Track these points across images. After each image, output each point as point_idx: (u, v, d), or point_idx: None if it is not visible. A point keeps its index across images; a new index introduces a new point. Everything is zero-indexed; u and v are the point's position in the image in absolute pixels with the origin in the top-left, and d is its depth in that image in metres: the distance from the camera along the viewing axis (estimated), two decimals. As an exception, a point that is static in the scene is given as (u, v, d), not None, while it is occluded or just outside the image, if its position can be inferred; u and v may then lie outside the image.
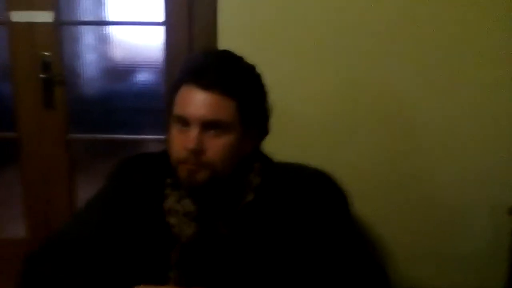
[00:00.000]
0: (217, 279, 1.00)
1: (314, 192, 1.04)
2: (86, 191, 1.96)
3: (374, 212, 1.81)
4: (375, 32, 1.69)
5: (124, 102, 2.00)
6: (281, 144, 1.13)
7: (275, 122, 1.70)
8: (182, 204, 1.02)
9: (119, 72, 2.00)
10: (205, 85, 0.94)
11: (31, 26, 1.83)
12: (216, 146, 0.95)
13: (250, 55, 1.71)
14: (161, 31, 1.86)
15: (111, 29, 1.96)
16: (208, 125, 0.94)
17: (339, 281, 0.97)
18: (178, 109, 0.97)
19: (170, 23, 1.83)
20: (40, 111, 1.89)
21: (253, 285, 0.99)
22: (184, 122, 0.95)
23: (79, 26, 1.95)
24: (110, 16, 1.95)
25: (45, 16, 1.82)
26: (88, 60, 1.98)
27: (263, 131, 1.05)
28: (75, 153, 1.97)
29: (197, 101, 0.94)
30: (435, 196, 1.80)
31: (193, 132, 0.93)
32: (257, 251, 1.00)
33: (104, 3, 1.93)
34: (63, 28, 1.89)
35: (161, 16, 1.85)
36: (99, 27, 1.97)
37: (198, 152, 0.93)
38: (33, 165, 1.95)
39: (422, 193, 1.81)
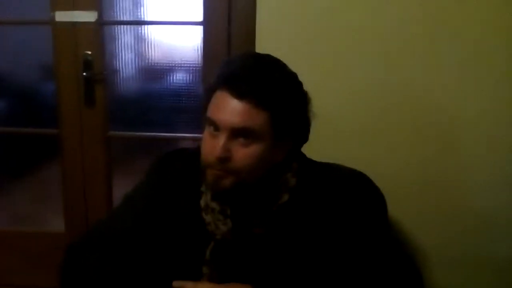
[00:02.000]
0: (249, 277, 1.00)
1: (351, 193, 1.02)
2: (123, 188, 2.01)
3: (403, 215, 1.78)
4: (408, 32, 1.67)
5: (161, 101, 2.02)
6: (311, 144, 1.11)
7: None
8: (217, 202, 1.03)
9: (157, 71, 2.02)
10: (238, 93, 0.92)
11: (74, 25, 1.88)
12: (243, 154, 0.94)
13: (287, 55, 1.72)
14: (198, 31, 1.88)
15: (149, 29, 1.99)
16: (237, 133, 0.93)
17: (373, 282, 0.97)
18: (210, 112, 0.97)
19: (208, 23, 1.84)
20: (81, 108, 1.94)
21: (285, 284, 0.99)
22: (215, 126, 0.95)
23: (118, 26, 1.99)
24: (148, 16, 1.98)
25: (88, 16, 1.87)
26: (127, 60, 2.02)
27: (301, 139, 1.04)
28: (114, 150, 2.01)
29: (228, 108, 0.93)
30: (466, 199, 1.76)
31: (221, 139, 0.93)
32: (290, 251, 1.00)
33: (143, 3, 1.96)
34: (104, 28, 1.93)
35: (199, 16, 1.87)
36: (138, 27, 2.00)
37: (224, 159, 0.93)
38: (73, 161, 2.00)
39: (453, 196, 1.77)
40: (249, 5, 1.72)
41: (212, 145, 0.95)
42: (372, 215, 1.04)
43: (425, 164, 1.76)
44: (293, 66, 1.72)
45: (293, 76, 1.01)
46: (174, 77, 2.01)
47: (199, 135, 1.82)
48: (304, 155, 1.10)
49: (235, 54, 1.01)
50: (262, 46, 1.73)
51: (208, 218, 1.03)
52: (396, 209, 1.72)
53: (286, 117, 0.96)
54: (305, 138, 1.05)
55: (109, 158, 2.00)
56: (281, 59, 1.82)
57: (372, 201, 1.05)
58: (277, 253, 1.00)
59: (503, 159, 1.72)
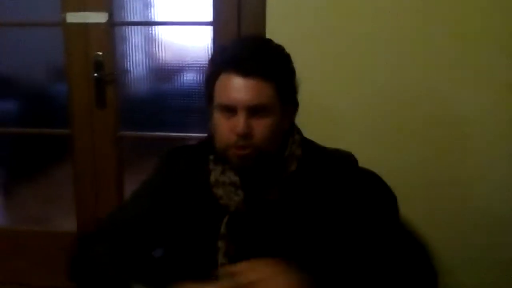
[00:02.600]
0: (265, 247, 1.02)
1: (352, 165, 1.12)
2: (134, 187, 2.02)
3: (410, 215, 1.77)
4: (417, 33, 1.67)
5: (172, 101, 2.04)
6: (324, 142, 1.14)
7: (319, 120, 1.72)
8: (228, 175, 1.06)
9: (168, 71, 2.04)
10: (246, 72, 0.97)
11: (85, 26, 1.90)
12: (262, 128, 0.99)
13: (297, 55, 1.72)
14: (208, 31, 1.89)
15: (159, 30, 2.00)
16: (254, 109, 0.98)
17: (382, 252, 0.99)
18: (222, 98, 1.00)
19: (218, 23, 1.85)
20: (92, 108, 1.95)
21: (301, 250, 1.01)
22: (230, 109, 0.99)
23: (128, 27, 2.00)
24: (158, 16, 1.99)
25: (99, 17, 1.88)
26: (138, 60, 2.03)
27: (296, 105, 1.10)
28: (124, 150, 2.03)
29: (241, 88, 0.98)
30: (479, 199, 1.76)
31: (241, 117, 0.97)
32: (304, 217, 1.03)
33: (153, 4, 1.97)
34: (115, 29, 1.94)
35: (209, 16, 1.87)
36: (148, 28, 2.01)
37: (247, 135, 0.97)
38: (85, 161, 2.02)
39: (466, 196, 1.76)
40: (259, 5, 1.73)
41: (230, 126, 0.99)
42: (380, 198, 1.12)
43: (432, 163, 1.75)
44: (302, 65, 1.71)
45: (283, 48, 1.08)
46: (185, 77, 2.02)
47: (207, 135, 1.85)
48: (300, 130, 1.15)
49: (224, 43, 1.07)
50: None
51: (219, 191, 1.05)
52: (403, 209, 1.72)
53: (287, 85, 1.04)
54: (298, 103, 1.11)
55: (120, 158, 2.01)
56: (293, 59, 1.82)
57: (379, 187, 1.16)
58: (290, 219, 1.03)
59: (510, 157, 1.71)
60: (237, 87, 0.98)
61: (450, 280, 1.79)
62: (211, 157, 1.09)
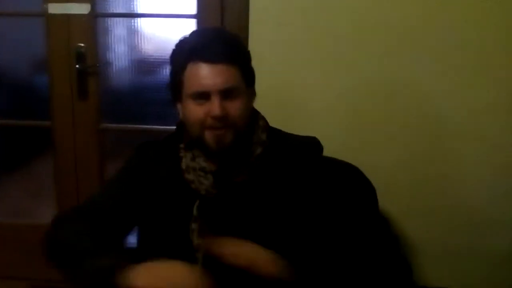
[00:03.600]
0: (236, 227, 1.07)
1: (312, 152, 1.18)
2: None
3: (399, 210, 1.80)
4: (404, 31, 1.69)
5: (154, 94, 2.02)
6: (294, 128, 1.20)
7: (300, 119, 1.74)
8: (197, 161, 1.12)
9: (150, 64, 2.03)
10: (213, 59, 1.03)
11: (67, 17, 1.88)
12: (235, 108, 1.05)
13: (281, 49, 1.74)
14: (192, 24, 1.89)
15: (143, 22, 1.99)
16: (225, 92, 1.04)
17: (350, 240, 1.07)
18: (193, 86, 1.05)
19: (201, 16, 1.85)
20: (74, 101, 1.94)
21: (271, 230, 1.07)
22: (202, 95, 1.04)
23: (111, 18, 1.98)
24: (141, 8, 1.98)
25: (81, 8, 1.87)
26: (120, 52, 2.02)
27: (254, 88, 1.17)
28: (106, 143, 2.02)
29: (210, 74, 1.03)
30: (461, 194, 1.79)
31: (216, 101, 1.03)
32: (271, 198, 1.09)
33: (135, -4, 1.96)
34: (97, 20, 1.93)
35: (192, 9, 1.87)
36: (131, 20, 2.00)
37: (223, 117, 1.03)
38: (66, 153, 2.01)
39: (449, 191, 1.79)
40: (242, -1, 1.74)
41: (204, 112, 1.04)
42: (358, 192, 1.22)
43: (418, 160, 1.78)
44: (286, 58, 1.74)
45: (238, 35, 1.20)
46: (167, 70, 2.00)
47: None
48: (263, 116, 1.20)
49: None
50: (256, 38, 1.74)
51: (190, 176, 1.11)
52: (392, 204, 1.75)
53: (248, 68, 1.12)
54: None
55: (102, 151, 2.01)
56: (275, 51, 1.83)
57: (358, 181, 1.25)
58: (259, 200, 1.09)
59: (494, 156, 1.74)
60: (207, 74, 1.03)
61: (430, 273, 1.83)
62: (181, 145, 1.15)
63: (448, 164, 1.77)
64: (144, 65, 2.04)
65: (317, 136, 1.18)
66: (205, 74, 1.04)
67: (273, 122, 1.19)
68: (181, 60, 1.07)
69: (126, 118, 2.05)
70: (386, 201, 1.63)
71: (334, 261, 1.04)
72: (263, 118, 1.18)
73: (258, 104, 1.17)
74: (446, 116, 1.74)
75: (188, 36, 1.11)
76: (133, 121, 2.04)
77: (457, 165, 1.77)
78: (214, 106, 1.03)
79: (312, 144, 1.18)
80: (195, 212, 1.09)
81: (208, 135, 1.06)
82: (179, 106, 1.13)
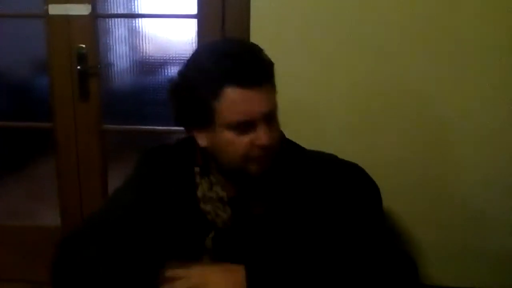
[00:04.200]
0: (250, 261, 0.99)
1: (341, 173, 1.09)
2: (118, 181, 2.00)
3: (401, 209, 1.80)
4: (405, 30, 1.68)
5: (155, 95, 2.02)
6: (306, 141, 1.14)
7: (301, 118, 1.73)
8: (215, 190, 1.03)
9: (152, 65, 2.02)
10: (255, 82, 0.92)
11: (67, 19, 1.87)
12: (276, 133, 0.97)
13: (282, 48, 1.73)
14: (193, 25, 1.88)
15: (143, 22, 1.98)
16: (269, 118, 0.95)
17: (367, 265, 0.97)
18: (234, 115, 0.93)
19: (202, 16, 1.84)
20: (75, 102, 1.93)
21: (288, 265, 0.98)
22: (246, 124, 0.93)
23: (112, 19, 1.98)
24: (141, 9, 1.97)
25: (81, 9, 1.86)
26: (121, 53, 2.01)
27: None
28: (108, 144, 2.01)
29: (255, 100, 0.92)
30: (462, 193, 1.78)
31: (263, 129, 0.93)
32: (289, 231, 1.00)
33: (135, -4, 1.95)
34: (98, 21, 1.92)
35: (193, 9, 1.86)
36: (132, 20, 1.99)
37: (271, 145, 0.94)
38: (68, 155, 2.00)
39: (449, 190, 1.78)
40: (243, -1, 1.73)
41: (247, 141, 0.94)
42: (364, 196, 1.10)
43: (423, 159, 1.77)
44: (287, 58, 1.73)
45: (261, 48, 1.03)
46: (169, 71, 2.00)
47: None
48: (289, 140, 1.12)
49: (201, 53, 1.00)
50: (257, 38, 1.72)
51: (207, 207, 1.03)
52: (394, 203, 1.74)
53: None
54: None
55: (103, 152, 2.00)
56: (276, 51, 1.81)
57: (364, 187, 1.14)
58: (277, 234, 1.01)
59: (494, 155, 1.74)
60: (251, 100, 0.92)
61: (434, 273, 1.83)
62: (197, 169, 1.05)
63: (449, 164, 1.76)
64: (145, 65, 2.03)
65: (319, 136, 1.13)
66: (248, 100, 0.91)
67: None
68: (211, 85, 0.92)
69: (127, 119, 2.04)
70: (390, 201, 1.62)
71: (338, 262, 0.98)
72: (283, 140, 1.07)
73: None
74: (448, 116, 1.73)
75: (209, 55, 0.95)
76: (135, 122, 2.04)
77: (458, 164, 1.76)
78: (262, 135, 0.92)
79: (329, 162, 1.11)
80: (208, 244, 1.02)
81: (253, 167, 0.96)
82: (201, 134, 0.99)
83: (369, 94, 1.74)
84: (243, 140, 0.94)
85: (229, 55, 0.93)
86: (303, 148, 1.11)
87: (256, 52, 0.96)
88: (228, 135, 0.94)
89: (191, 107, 0.96)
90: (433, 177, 1.78)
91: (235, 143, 0.94)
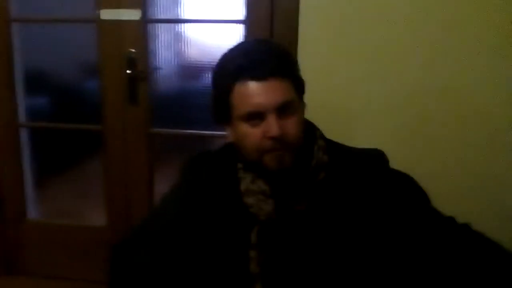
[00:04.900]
0: (296, 256, 1.01)
1: (380, 168, 1.08)
2: (163, 184, 2.04)
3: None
4: (453, 36, 1.66)
5: (202, 99, 2.03)
6: (347, 140, 1.14)
7: (339, 120, 1.71)
8: (257, 184, 1.04)
9: (198, 69, 2.04)
10: (262, 75, 0.96)
11: (118, 23, 1.92)
12: (292, 126, 0.98)
13: (330, 55, 1.72)
14: (238, 30, 1.89)
15: (190, 27, 2.01)
16: (281, 109, 0.97)
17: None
18: (245, 106, 0.98)
19: (250, 21, 1.85)
20: (125, 105, 1.98)
21: (332, 260, 1.00)
22: (256, 116, 0.97)
23: (159, 24, 2.01)
24: (186, 14, 2.00)
25: (132, 14, 1.90)
26: (168, 58, 2.04)
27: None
28: (155, 147, 2.04)
29: (262, 92, 0.96)
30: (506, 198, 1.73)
31: (272, 120, 0.96)
32: (334, 226, 1.01)
33: (181, 2, 1.98)
34: (147, 26, 1.96)
35: (238, 15, 1.88)
36: (178, 25, 2.02)
37: (281, 137, 0.96)
38: (116, 157, 2.04)
39: (493, 195, 1.74)
40: (292, 3, 1.73)
41: (260, 133, 0.98)
42: (414, 194, 1.06)
43: (466, 163, 1.73)
44: (334, 64, 1.72)
45: (283, 45, 1.08)
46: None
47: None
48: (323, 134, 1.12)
49: (223, 54, 1.05)
50: (306, 44, 1.73)
51: (250, 200, 1.04)
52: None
53: (297, 77, 1.04)
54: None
55: (151, 155, 2.03)
56: (324, 58, 1.80)
57: (410, 181, 1.09)
58: (320, 229, 1.01)
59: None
60: (259, 92, 0.96)
61: None
62: (240, 165, 1.07)
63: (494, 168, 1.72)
64: (192, 70, 2.06)
65: (363, 142, 1.11)
66: (256, 92, 0.96)
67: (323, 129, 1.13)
68: (227, 81, 0.99)
69: (174, 123, 2.06)
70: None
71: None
72: (322, 136, 1.09)
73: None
74: (480, 116, 1.69)
75: (228, 53, 1.03)
76: (182, 125, 2.06)
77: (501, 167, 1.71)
78: (271, 125, 0.95)
79: (376, 158, 1.08)
80: (254, 238, 1.03)
81: (268, 158, 0.99)
82: (228, 129, 1.05)
83: (416, 99, 1.71)
84: (256, 132, 0.98)
85: (241, 53, 1.01)
86: (346, 146, 1.11)
87: (268, 48, 1.01)
88: (243, 127, 0.99)
89: (216, 103, 1.05)
90: (478, 181, 1.73)
91: (250, 136, 0.99)
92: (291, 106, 0.98)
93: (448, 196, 1.71)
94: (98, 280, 2.08)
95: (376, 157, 1.09)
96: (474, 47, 1.65)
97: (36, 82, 2.17)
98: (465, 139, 1.72)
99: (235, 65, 0.99)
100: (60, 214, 2.26)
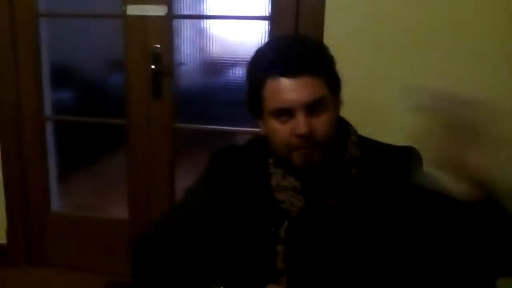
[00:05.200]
0: (324, 253, 1.00)
1: (412, 166, 1.03)
2: (185, 179, 2.05)
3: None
4: (477, 33, 1.64)
5: (226, 95, 2.05)
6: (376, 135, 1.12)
7: (364, 115, 1.69)
8: (288, 180, 1.03)
9: (222, 65, 2.05)
10: (294, 72, 0.95)
11: (144, 19, 1.93)
12: (322, 124, 0.97)
13: (355, 52, 1.71)
14: (261, 26, 1.90)
15: (214, 24, 2.02)
16: (311, 107, 0.95)
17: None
18: (275, 102, 0.97)
19: (275, 18, 1.84)
20: (149, 100, 1.99)
21: (363, 257, 0.98)
22: (285, 112, 0.96)
23: (183, 20, 2.02)
24: (210, 11, 2.01)
25: (158, 10, 1.91)
26: (191, 53, 2.05)
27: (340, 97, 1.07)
28: (179, 142, 2.05)
29: (292, 88, 0.95)
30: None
31: (300, 117, 0.95)
32: (365, 223, 0.99)
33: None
34: (172, 22, 1.97)
35: (266, 10, 1.87)
36: (203, 21, 2.03)
37: (309, 135, 0.95)
38: (139, 151, 2.06)
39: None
40: (318, 1, 1.72)
41: (289, 130, 0.97)
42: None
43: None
44: (360, 62, 1.71)
45: (320, 41, 1.08)
46: (238, 72, 2.02)
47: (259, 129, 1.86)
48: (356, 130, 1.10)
49: (258, 49, 1.05)
50: (331, 41, 1.70)
51: (281, 196, 1.03)
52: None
53: (334, 77, 1.02)
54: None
55: (174, 150, 2.04)
56: (349, 55, 1.79)
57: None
58: (351, 225, 1.00)
59: None
60: (289, 88, 0.95)
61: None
62: (271, 160, 1.07)
63: None
64: (216, 66, 2.06)
65: (391, 138, 1.09)
66: (286, 89, 0.95)
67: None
68: (259, 76, 0.99)
69: (197, 118, 2.08)
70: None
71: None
72: (356, 133, 1.07)
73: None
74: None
75: (263, 48, 1.03)
76: (205, 121, 2.07)
77: None
78: (299, 123, 0.94)
79: (410, 156, 1.04)
80: (282, 233, 1.02)
81: (295, 156, 0.98)
82: (260, 123, 1.05)
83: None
84: (284, 129, 0.97)
85: (275, 47, 1.02)
86: (379, 142, 1.09)
87: (300, 43, 1.01)
88: (273, 123, 0.99)
89: (249, 97, 1.04)
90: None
91: (279, 132, 0.98)
92: (322, 104, 0.96)
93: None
94: (120, 272, 2.13)
95: (409, 154, 1.05)
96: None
97: (62, 76, 2.20)
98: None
99: (267, 60, 0.99)
100: (83, 207, 2.30)
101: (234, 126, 2.03)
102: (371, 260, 0.98)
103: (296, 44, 1.01)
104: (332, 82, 1.01)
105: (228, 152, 1.16)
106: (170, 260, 1.02)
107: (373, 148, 1.07)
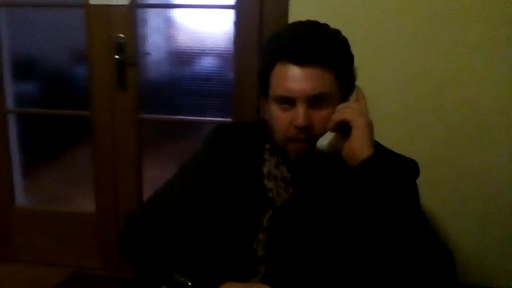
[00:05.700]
0: (304, 245, 1.01)
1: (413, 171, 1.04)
2: (152, 170, 2.04)
3: (441, 204, 1.78)
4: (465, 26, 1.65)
5: (191, 85, 2.03)
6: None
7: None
8: (281, 169, 1.03)
9: (188, 55, 2.02)
10: (303, 60, 0.93)
11: (107, 8, 1.90)
12: (321, 119, 0.95)
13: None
14: (229, 16, 1.88)
15: (180, 13, 1.99)
16: (313, 100, 0.94)
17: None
18: (278, 89, 0.96)
19: (240, 6, 1.83)
20: (113, 91, 1.96)
21: (340, 255, 0.99)
22: (288, 101, 0.95)
23: (149, 9, 1.99)
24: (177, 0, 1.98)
25: (121, -1, 1.88)
26: (158, 43, 2.03)
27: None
28: (144, 133, 2.03)
29: (298, 78, 0.93)
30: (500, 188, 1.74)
31: (300, 109, 0.94)
32: (348, 223, 0.98)
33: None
34: (137, 11, 1.94)
35: (229, 0, 1.86)
36: (168, 10, 2.00)
37: (307, 128, 0.94)
38: (105, 143, 2.03)
39: (488, 186, 1.74)
40: (282, -12, 1.71)
41: (288, 119, 0.96)
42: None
43: (466, 155, 1.73)
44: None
45: (338, 32, 1.03)
46: (205, 62, 2.01)
47: (227, 119, 1.86)
48: None
49: (276, 29, 1.03)
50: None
51: (270, 184, 1.03)
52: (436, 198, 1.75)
53: (346, 72, 0.99)
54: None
55: (140, 141, 2.02)
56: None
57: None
58: (334, 223, 1.00)
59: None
60: (295, 77, 0.94)
61: (470, 268, 1.79)
62: (267, 146, 1.06)
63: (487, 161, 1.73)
64: (182, 56, 2.04)
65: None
66: (292, 77, 0.94)
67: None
68: (270, 58, 0.98)
69: (163, 109, 2.05)
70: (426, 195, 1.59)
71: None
72: None
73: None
74: (487, 111, 1.69)
75: (282, 30, 1.01)
76: (171, 112, 2.05)
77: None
78: (298, 114, 0.93)
79: (409, 167, 1.02)
80: (265, 222, 1.02)
81: (291, 147, 0.98)
82: (265, 104, 1.04)
83: (425, 88, 1.71)
84: (284, 117, 0.96)
85: (289, 33, 0.99)
86: (383, 147, 1.06)
87: (317, 32, 0.98)
88: (275, 109, 0.98)
89: (260, 77, 1.03)
90: (471, 169, 1.73)
91: (278, 119, 0.98)
92: (326, 98, 0.95)
93: (438, 185, 1.75)
94: (88, 266, 2.10)
95: (409, 164, 1.03)
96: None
97: (24, 67, 2.14)
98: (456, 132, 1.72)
99: (279, 44, 0.97)
100: (48, 201, 2.25)
101: (200, 116, 2.01)
102: (349, 260, 0.98)
103: (313, 33, 0.97)
104: (343, 78, 0.98)
105: (230, 130, 1.14)
106: (153, 248, 1.00)
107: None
